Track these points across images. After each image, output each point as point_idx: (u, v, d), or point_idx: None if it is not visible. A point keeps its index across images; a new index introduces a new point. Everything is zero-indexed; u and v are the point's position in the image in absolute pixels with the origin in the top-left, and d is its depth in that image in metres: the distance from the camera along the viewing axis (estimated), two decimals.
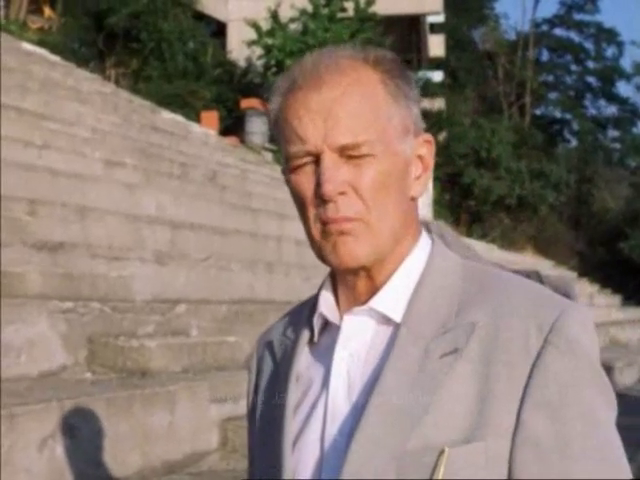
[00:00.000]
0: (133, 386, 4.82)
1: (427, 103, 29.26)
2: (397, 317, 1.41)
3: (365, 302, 1.44)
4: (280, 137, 1.44)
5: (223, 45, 27.31)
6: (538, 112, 51.65)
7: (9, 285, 5.42)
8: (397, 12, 28.18)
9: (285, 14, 23.52)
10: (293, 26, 23.48)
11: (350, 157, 1.37)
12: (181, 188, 10.60)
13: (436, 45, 38.24)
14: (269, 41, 23.27)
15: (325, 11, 23.47)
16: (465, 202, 33.94)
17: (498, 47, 46.64)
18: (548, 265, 26.44)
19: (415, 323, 1.39)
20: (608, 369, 9.92)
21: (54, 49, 16.78)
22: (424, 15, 32.67)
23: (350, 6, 23.81)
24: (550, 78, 53.28)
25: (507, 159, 33.22)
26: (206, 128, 18.44)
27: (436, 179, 25.57)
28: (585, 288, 23.68)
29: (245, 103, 22.74)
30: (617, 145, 55.94)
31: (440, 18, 36.48)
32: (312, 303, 1.54)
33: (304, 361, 1.51)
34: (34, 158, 8.34)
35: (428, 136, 1.48)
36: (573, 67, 54.14)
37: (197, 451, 5.04)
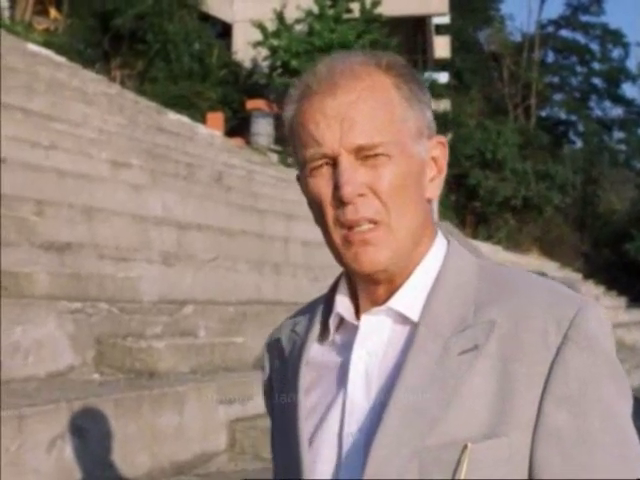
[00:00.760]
0: (141, 387, 4.80)
1: (432, 104, 29.20)
2: (415, 316, 1.42)
3: (383, 302, 1.45)
4: (296, 143, 1.45)
5: (228, 46, 27.33)
6: (543, 113, 51.69)
7: (17, 285, 5.41)
8: (403, 13, 28.18)
9: (291, 15, 23.56)
10: (299, 27, 23.52)
11: (366, 158, 1.38)
12: (187, 189, 10.59)
13: (442, 46, 38.21)
14: (275, 42, 23.30)
15: (331, 12, 23.50)
16: (470, 203, 33.99)
17: (504, 48, 46.67)
18: (554, 267, 26.45)
19: (433, 321, 1.40)
20: None
21: (59, 50, 16.80)
22: (430, 16, 32.68)
23: (356, 7, 23.85)
24: (556, 79, 53.35)
25: (513, 160, 33.26)
26: (212, 129, 18.46)
27: None
28: (591, 290, 23.68)
29: (250, 104, 22.78)
30: (623, 147, 55.97)
31: (446, 19, 36.46)
32: (323, 302, 1.55)
33: (316, 356, 1.51)
34: (41, 159, 8.34)
35: (441, 138, 1.50)
36: (579, 68, 54.20)
37: (206, 452, 5.03)
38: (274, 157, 21.48)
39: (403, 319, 1.44)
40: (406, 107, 1.43)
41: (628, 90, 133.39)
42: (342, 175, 1.37)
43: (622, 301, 27.63)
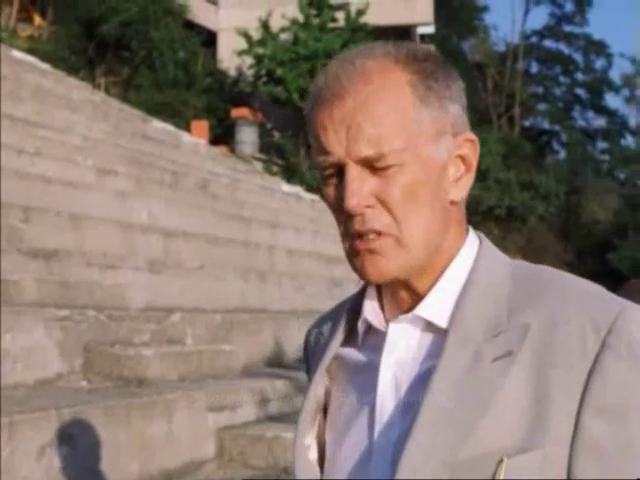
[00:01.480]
0: (131, 395, 4.79)
1: None
2: (443, 323, 1.36)
3: (409, 309, 1.40)
4: (312, 147, 1.40)
5: (214, 54, 27.29)
6: (527, 123, 51.81)
7: (5, 293, 5.39)
8: (388, 22, 28.19)
9: (276, 24, 23.56)
10: (284, 36, 23.52)
11: (376, 169, 1.32)
12: (173, 197, 10.59)
13: None
14: (260, 50, 23.31)
15: (316, 21, 23.53)
16: None
17: (488, 58, 46.80)
18: None
19: (463, 327, 1.34)
20: None
21: (44, 57, 16.76)
22: (415, 26, 32.71)
23: (341, 16, 23.88)
24: (539, 90, 53.49)
25: (496, 170, 33.30)
26: (196, 137, 18.44)
27: None
28: None
29: (235, 112, 22.80)
30: (606, 157, 56.19)
31: (430, 29, 36.46)
32: (351, 306, 1.51)
33: (345, 357, 1.48)
34: (27, 165, 8.32)
35: (470, 135, 1.40)
36: (562, 79, 54.34)
37: (194, 460, 5.02)
38: (259, 165, 21.49)
39: (432, 326, 1.37)
40: (419, 106, 1.33)
41: (611, 101, 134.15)
42: (347, 187, 1.31)
43: None
